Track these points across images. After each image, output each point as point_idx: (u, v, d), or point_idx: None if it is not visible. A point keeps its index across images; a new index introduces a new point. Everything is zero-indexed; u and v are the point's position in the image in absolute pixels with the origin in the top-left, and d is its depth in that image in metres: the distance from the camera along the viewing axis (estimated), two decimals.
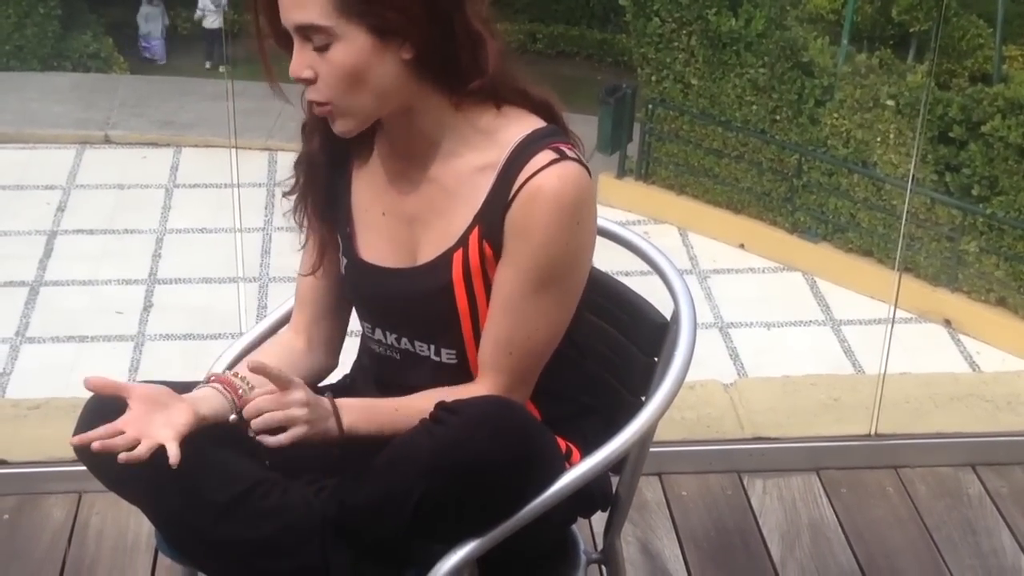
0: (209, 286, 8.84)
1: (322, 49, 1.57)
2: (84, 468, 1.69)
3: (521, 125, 1.64)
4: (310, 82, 1.59)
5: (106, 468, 1.65)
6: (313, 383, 1.79)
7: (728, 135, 10.21)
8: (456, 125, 1.64)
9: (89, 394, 1.71)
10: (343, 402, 1.63)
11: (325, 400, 1.61)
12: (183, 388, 1.67)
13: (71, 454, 1.69)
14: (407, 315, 1.71)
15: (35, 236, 9.67)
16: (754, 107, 10.08)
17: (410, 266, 1.69)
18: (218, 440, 1.65)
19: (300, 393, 1.57)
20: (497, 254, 1.63)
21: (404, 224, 1.70)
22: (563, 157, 1.60)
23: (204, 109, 10.87)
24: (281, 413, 1.56)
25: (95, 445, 1.51)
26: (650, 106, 10.71)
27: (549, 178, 1.59)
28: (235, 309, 6.57)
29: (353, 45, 1.56)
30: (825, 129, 9.83)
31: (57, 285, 9.11)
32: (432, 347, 1.71)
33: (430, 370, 1.71)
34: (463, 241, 1.64)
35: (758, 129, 10.06)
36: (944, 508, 2.69)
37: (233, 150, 8.17)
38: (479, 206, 1.63)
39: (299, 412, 1.57)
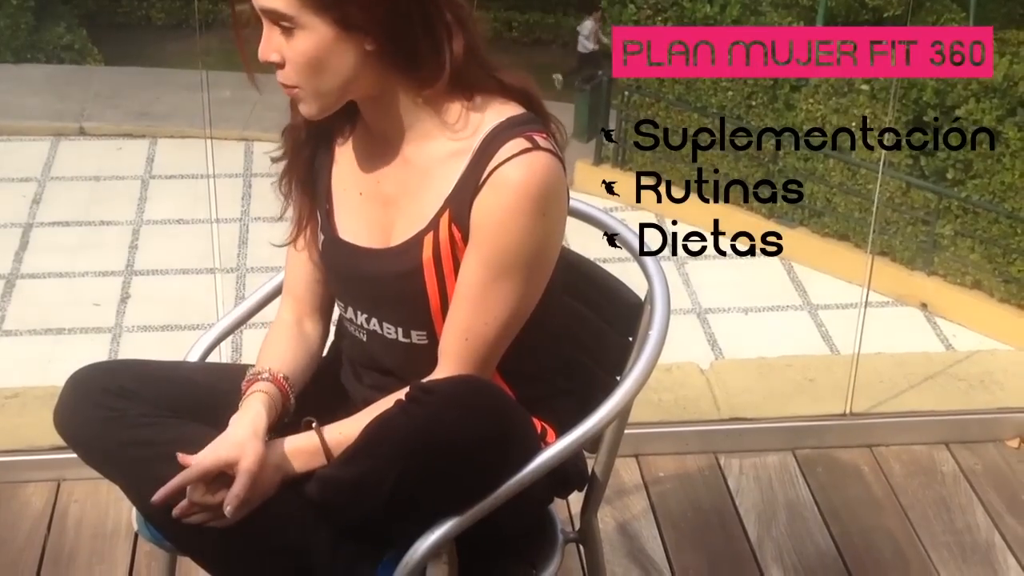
0: (186, 277, 8.82)
1: (287, 34, 1.59)
2: (63, 456, 1.70)
3: (497, 112, 1.65)
4: (278, 66, 1.61)
5: (87, 447, 1.66)
6: (319, 359, 1.82)
7: (704, 120, 10.22)
8: (427, 112, 1.65)
9: (64, 377, 1.72)
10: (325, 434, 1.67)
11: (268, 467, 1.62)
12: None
13: (49, 443, 1.71)
14: (378, 295, 1.73)
15: (10, 229, 9.62)
16: (729, 93, 10.10)
17: (383, 247, 1.71)
18: (198, 420, 1.67)
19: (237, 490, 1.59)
20: (466, 238, 1.64)
21: (380, 205, 1.72)
22: (535, 147, 1.60)
23: (179, 100, 10.80)
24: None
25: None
26: (626, 93, 10.72)
27: (517, 168, 1.59)
28: (213, 300, 6.54)
29: (315, 34, 1.58)
30: (800, 114, 9.86)
31: (33, 278, 9.06)
32: (400, 330, 1.72)
33: (401, 351, 1.72)
34: (433, 224, 1.66)
35: (734, 115, 10.08)
36: (918, 486, 2.72)
37: (209, 141, 8.13)
38: (450, 190, 1.64)
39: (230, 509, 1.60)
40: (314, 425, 1.66)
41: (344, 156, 1.76)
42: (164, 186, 10.23)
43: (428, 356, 1.70)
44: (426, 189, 1.67)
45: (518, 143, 1.61)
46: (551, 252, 1.67)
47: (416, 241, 1.67)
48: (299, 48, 1.59)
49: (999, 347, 8.01)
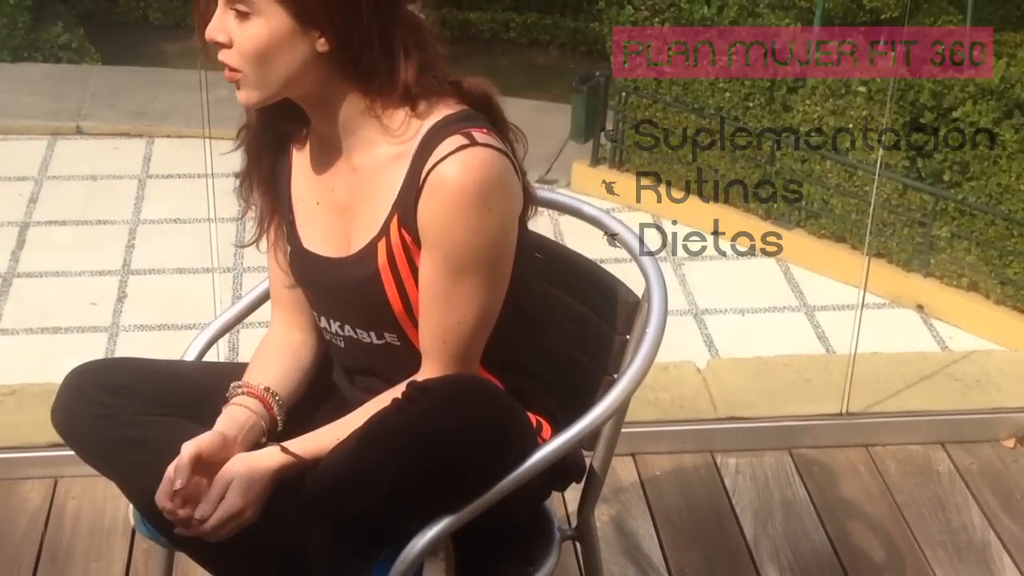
0: (183, 276, 8.79)
1: (242, 18, 1.58)
2: (60, 453, 1.71)
3: (435, 111, 1.63)
4: (224, 46, 1.60)
5: (83, 444, 1.66)
6: (318, 368, 1.82)
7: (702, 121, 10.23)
8: (371, 119, 1.64)
9: (62, 376, 1.72)
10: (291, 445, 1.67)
11: (257, 470, 1.62)
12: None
13: (47, 440, 1.71)
14: (345, 303, 1.72)
15: (7, 228, 9.60)
16: (727, 94, 10.09)
17: (343, 256, 1.70)
18: (194, 419, 1.67)
19: (233, 496, 1.60)
20: (417, 241, 1.63)
21: (336, 213, 1.71)
22: (471, 143, 1.58)
23: (177, 99, 10.77)
24: (228, 517, 1.60)
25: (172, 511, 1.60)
26: (623, 94, 10.72)
27: (452, 166, 1.58)
28: (210, 299, 6.54)
29: (270, 23, 1.57)
30: (797, 116, 9.86)
31: (30, 277, 9.04)
32: (372, 333, 1.72)
33: (379, 352, 1.72)
34: (385, 230, 1.65)
35: (731, 116, 10.07)
36: (914, 485, 2.72)
37: (206, 140, 8.12)
38: (396, 195, 1.64)
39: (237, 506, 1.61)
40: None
41: (300, 165, 1.75)
42: (161, 185, 10.20)
43: (406, 354, 1.70)
44: (375, 194, 1.66)
45: (454, 140, 1.59)
46: (506, 244, 1.65)
47: (371, 248, 1.67)
48: (251, 34, 1.57)
49: (995, 348, 8.01)
